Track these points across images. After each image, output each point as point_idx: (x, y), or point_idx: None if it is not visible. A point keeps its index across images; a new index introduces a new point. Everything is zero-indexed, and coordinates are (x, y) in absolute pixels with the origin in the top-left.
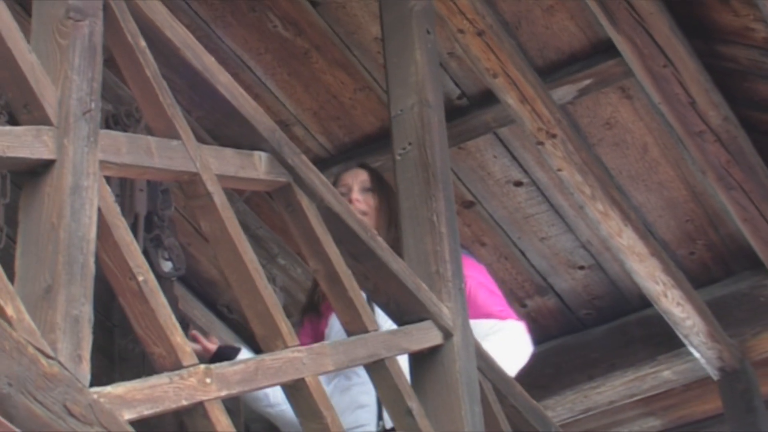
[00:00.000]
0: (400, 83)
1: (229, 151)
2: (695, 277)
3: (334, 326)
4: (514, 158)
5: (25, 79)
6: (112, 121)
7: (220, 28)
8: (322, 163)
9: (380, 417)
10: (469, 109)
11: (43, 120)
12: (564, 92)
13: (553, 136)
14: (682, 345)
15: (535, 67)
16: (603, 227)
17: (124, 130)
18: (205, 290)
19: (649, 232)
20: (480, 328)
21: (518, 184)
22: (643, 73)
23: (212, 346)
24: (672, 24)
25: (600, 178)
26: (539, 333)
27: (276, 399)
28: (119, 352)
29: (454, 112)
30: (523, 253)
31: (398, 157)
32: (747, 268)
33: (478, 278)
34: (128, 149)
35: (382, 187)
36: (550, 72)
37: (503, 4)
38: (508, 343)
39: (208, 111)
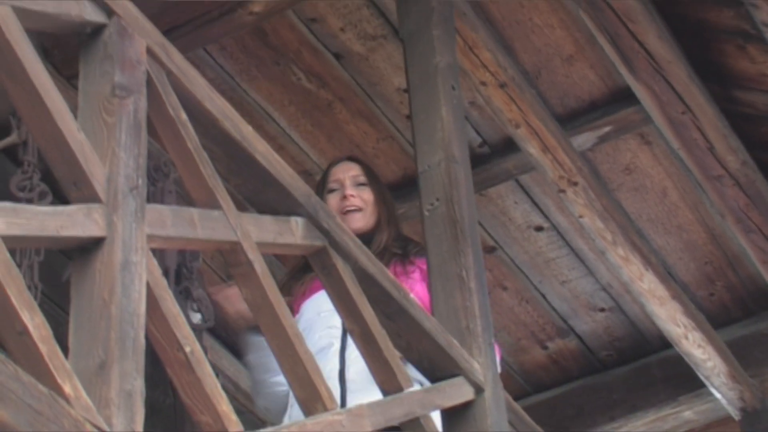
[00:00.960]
0: (426, 139)
1: (267, 219)
2: (715, 317)
3: (304, 314)
4: (535, 204)
5: (75, 158)
6: None
7: (245, 81)
8: None
9: None
10: (491, 157)
11: (93, 197)
12: (584, 139)
13: (575, 183)
14: (703, 385)
15: (555, 114)
16: (624, 272)
17: (153, 185)
18: (232, 340)
19: (669, 274)
20: None
21: (539, 229)
22: (662, 120)
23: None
24: (690, 71)
25: (621, 224)
26: (561, 375)
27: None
28: (151, 403)
29: (475, 160)
30: (544, 297)
31: (426, 213)
32: (766, 309)
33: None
34: (173, 222)
35: (375, 181)
36: (571, 119)
37: (524, 55)
38: None
39: (246, 178)
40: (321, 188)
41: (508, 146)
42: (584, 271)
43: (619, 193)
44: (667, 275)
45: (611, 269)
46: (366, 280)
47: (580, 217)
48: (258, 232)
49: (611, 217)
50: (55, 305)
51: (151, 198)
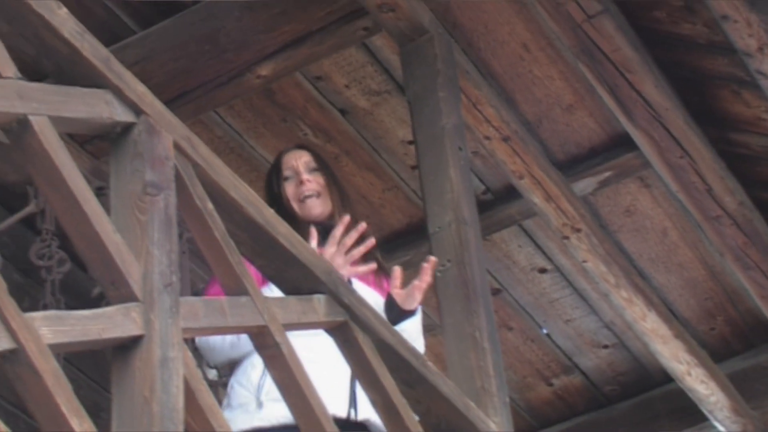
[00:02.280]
0: (436, 201)
1: (292, 300)
2: (716, 351)
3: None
4: (538, 247)
5: (112, 259)
6: None
7: (253, 138)
8: None
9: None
10: (494, 204)
11: (130, 296)
12: (585, 184)
13: (578, 230)
14: (707, 419)
15: (556, 161)
16: (628, 312)
17: None
18: None
19: (671, 310)
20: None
21: (542, 271)
22: (661, 165)
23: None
24: (687, 117)
25: (623, 267)
26: (566, 410)
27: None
28: None
29: (480, 207)
30: (548, 336)
31: (438, 274)
32: (766, 342)
33: None
34: (205, 313)
35: (325, 165)
36: (572, 166)
37: (525, 106)
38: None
39: (270, 259)
40: (274, 177)
41: (511, 193)
42: (587, 310)
43: (620, 234)
44: (669, 315)
45: (615, 310)
46: (385, 351)
47: (584, 261)
48: (284, 314)
49: (614, 261)
50: (96, 384)
51: None
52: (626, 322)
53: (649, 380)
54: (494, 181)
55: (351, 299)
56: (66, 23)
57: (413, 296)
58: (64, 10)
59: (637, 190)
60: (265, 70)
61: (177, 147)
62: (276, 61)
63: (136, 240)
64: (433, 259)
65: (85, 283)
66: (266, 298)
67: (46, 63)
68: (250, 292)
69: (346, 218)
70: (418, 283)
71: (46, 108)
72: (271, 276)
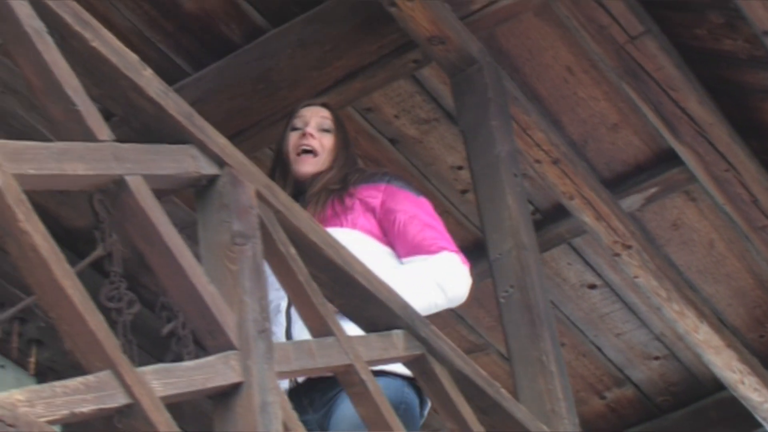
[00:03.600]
0: (495, 228)
1: (373, 337)
2: (766, 357)
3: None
4: (587, 264)
5: (209, 310)
6: None
7: None
8: None
9: None
10: (544, 224)
11: (227, 344)
12: (632, 201)
13: (629, 247)
14: (760, 425)
15: (603, 179)
16: (680, 325)
17: None
18: None
19: (720, 320)
20: (407, 272)
21: (592, 286)
22: (707, 178)
23: None
24: (731, 131)
25: (674, 281)
26: (619, 422)
27: None
28: None
29: None
30: (600, 350)
31: (502, 300)
32: None
33: (410, 211)
34: (296, 355)
35: (341, 131)
36: (618, 183)
37: (570, 127)
38: (427, 277)
39: (349, 298)
40: (286, 124)
41: (560, 212)
42: (638, 323)
43: (668, 247)
44: (720, 325)
45: (667, 322)
46: (462, 380)
47: (635, 277)
48: (366, 352)
49: (665, 275)
50: None
51: None
52: (678, 334)
53: (700, 389)
54: (542, 201)
55: (427, 332)
56: (151, 83)
57: None
58: (149, 71)
59: (683, 203)
60: None
61: (259, 196)
62: (328, 96)
63: (228, 289)
64: None
65: (155, 323)
66: (350, 337)
67: (134, 122)
68: (335, 332)
69: None
70: None
71: (139, 167)
72: (349, 314)
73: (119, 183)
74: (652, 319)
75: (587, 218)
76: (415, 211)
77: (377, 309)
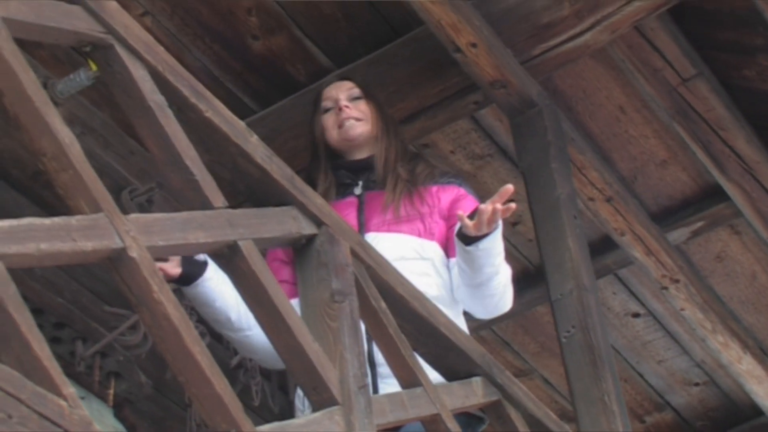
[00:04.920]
0: (556, 269)
1: (455, 386)
2: None
3: None
4: (632, 293)
5: (314, 367)
6: None
7: None
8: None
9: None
10: (591, 255)
11: (330, 400)
12: (678, 234)
13: (676, 281)
14: None
15: (650, 213)
16: (724, 356)
17: None
18: None
19: (762, 350)
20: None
21: (636, 315)
22: (753, 214)
23: (176, 270)
24: None
25: (719, 314)
26: None
27: (240, 324)
28: None
29: None
30: (641, 376)
31: (564, 340)
32: None
33: (468, 203)
34: (390, 408)
35: (371, 94)
36: (665, 217)
37: (621, 163)
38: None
39: (432, 347)
40: (314, 111)
41: (606, 244)
42: (679, 351)
43: (711, 279)
44: (764, 356)
45: (711, 353)
46: (534, 424)
47: (682, 309)
48: (450, 400)
49: (710, 308)
50: None
51: None
52: (721, 364)
53: (739, 415)
54: (590, 233)
55: (503, 378)
56: (257, 149)
57: (482, 221)
58: (255, 137)
59: (728, 237)
60: None
61: (353, 253)
62: None
63: (329, 346)
64: (509, 186)
65: (223, 355)
66: (436, 387)
67: (240, 185)
68: (422, 383)
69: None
70: (483, 206)
71: (249, 232)
72: (431, 361)
73: (233, 247)
74: (694, 347)
75: (637, 253)
76: None
77: (458, 357)
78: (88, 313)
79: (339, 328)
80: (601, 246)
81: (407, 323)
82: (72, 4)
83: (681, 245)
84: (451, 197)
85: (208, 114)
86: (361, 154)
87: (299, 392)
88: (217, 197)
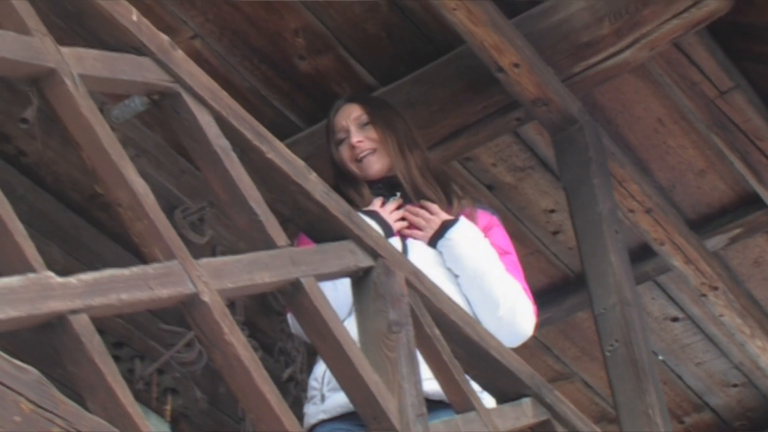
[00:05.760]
0: (599, 283)
1: (507, 408)
2: None
3: None
4: (671, 298)
5: (374, 398)
6: None
7: None
8: None
9: None
10: (631, 262)
11: (390, 429)
12: (716, 241)
13: (715, 288)
14: None
15: (688, 220)
16: (762, 360)
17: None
18: None
19: None
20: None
21: (674, 319)
22: None
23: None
24: None
25: (758, 319)
26: None
27: None
28: None
29: None
30: (680, 377)
31: (608, 354)
32: None
33: (507, 248)
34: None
35: (380, 115)
36: (703, 224)
37: (659, 173)
38: (508, 287)
39: (483, 370)
40: (329, 140)
41: (645, 251)
42: (717, 353)
43: (749, 284)
44: None
45: (750, 357)
46: None
47: (721, 315)
48: (502, 422)
49: (749, 313)
50: None
51: None
52: (760, 367)
53: None
54: (629, 240)
55: (552, 398)
56: (317, 187)
57: (430, 224)
58: (314, 174)
59: (765, 243)
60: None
61: (408, 283)
62: (435, 152)
63: (388, 376)
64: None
65: (274, 368)
66: (489, 410)
67: (299, 221)
68: (476, 407)
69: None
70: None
71: (311, 269)
72: (483, 384)
73: (296, 285)
74: (732, 350)
75: (677, 262)
76: (510, 250)
77: (508, 379)
78: (145, 332)
79: (397, 358)
80: (641, 253)
81: (460, 348)
82: (142, 56)
83: (719, 251)
84: (485, 222)
85: (270, 155)
86: (381, 176)
87: (317, 373)
88: (279, 236)
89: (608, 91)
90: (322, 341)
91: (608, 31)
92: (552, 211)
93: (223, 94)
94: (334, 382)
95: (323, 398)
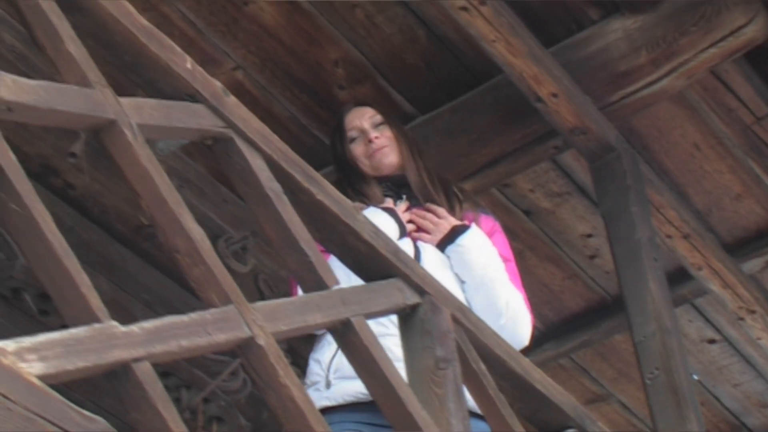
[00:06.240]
0: (638, 311)
1: None
2: None
3: None
4: (708, 321)
5: None
6: None
7: None
8: (534, 341)
9: None
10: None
11: None
12: (753, 264)
13: (753, 312)
14: None
15: (724, 244)
16: None
17: None
18: None
19: None
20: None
21: (711, 341)
22: None
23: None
24: None
25: None
26: None
27: None
28: None
29: None
30: (717, 399)
31: (648, 381)
32: None
33: (508, 256)
34: None
35: (391, 117)
36: (739, 247)
37: (696, 197)
38: (509, 293)
39: (527, 402)
40: (338, 139)
41: (682, 275)
42: (754, 374)
43: None
44: None
45: None
46: None
47: (758, 339)
48: None
49: None
50: None
51: None
52: None
53: None
54: (666, 264)
55: (594, 429)
56: (365, 227)
57: (439, 228)
58: (362, 215)
59: None
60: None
61: (454, 319)
62: (474, 180)
63: (436, 412)
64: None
65: None
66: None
67: (347, 260)
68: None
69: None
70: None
71: (361, 308)
72: (527, 416)
73: (346, 324)
74: None
75: (714, 287)
76: (510, 257)
77: (552, 411)
78: (191, 361)
79: (444, 394)
80: (678, 276)
81: (504, 381)
82: (196, 103)
83: (756, 274)
84: (488, 228)
85: (320, 196)
86: (391, 173)
87: (322, 358)
88: (330, 277)
89: (645, 117)
90: (372, 379)
91: (645, 61)
92: (589, 235)
93: (274, 137)
94: (342, 370)
95: (329, 384)
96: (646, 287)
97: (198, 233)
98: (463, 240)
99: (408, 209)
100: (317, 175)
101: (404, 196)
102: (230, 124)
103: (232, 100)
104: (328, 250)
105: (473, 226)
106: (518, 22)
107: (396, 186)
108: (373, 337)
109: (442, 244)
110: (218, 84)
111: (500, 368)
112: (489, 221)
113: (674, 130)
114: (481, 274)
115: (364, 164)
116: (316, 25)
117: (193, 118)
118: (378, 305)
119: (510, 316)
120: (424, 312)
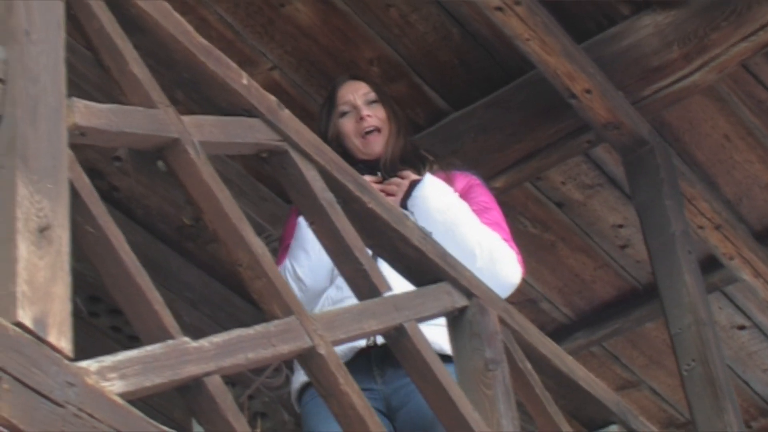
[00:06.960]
0: (674, 304)
1: None
2: None
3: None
4: (737, 307)
5: None
6: None
7: None
8: (566, 330)
9: None
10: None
11: None
12: None
13: None
14: None
15: (754, 231)
16: None
17: None
18: None
19: None
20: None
21: (741, 327)
22: None
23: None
24: None
25: None
26: None
27: None
28: None
29: None
30: (747, 383)
31: (685, 373)
32: None
33: (488, 204)
34: None
35: (385, 96)
36: None
37: (726, 187)
38: (482, 234)
39: (571, 399)
40: (328, 112)
41: (713, 263)
42: None
43: None
44: None
45: None
46: None
47: None
48: None
49: None
50: None
51: None
52: None
53: None
54: (697, 252)
55: (637, 424)
56: (414, 232)
57: (401, 187)
58: (410, 221)
59: None
60: (498, 183)
61: (500, 320)
62: (508, 175)
63: (486, 413)
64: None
65: None
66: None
67: (397, 265)
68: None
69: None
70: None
71: (412, 313)
72: (572, 413)
73: (399, 330)
74: None
75: (746, 276)
76: (493, 206)
77: (595, 407)
78: None
79: (494, 395)
80: (708, 264)
81: (549, 379)
82: (252, 118)
83: None
84: (463, 184)
85: (371, 205)
86: (380, 156)
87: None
88: (383, 284)
89: (675, 110)
90: (425, 382)
91: (677, 55)
92: (620, 226)
93: (327, 148)
94: None
95: None
96: (681, 280)
97: (259, 246)
98: (418, 191)
99: (380, 182)
100: (368, 184)
101: (378, 173)
102: (285, 137)
103: (287, 113)
104: (379, 256)
105: (427, 175)
106: (551, 20)
107: (369, 168)
108: (425, 341)
109: (404, 202)
110: (273, 98)
111: (545, 367)
112: (464, 177)
113: (705, 122)
114: (442, 219)
115: (352, 143)
116: (351, 24)
117: (250, 132)
118: (428, 309)
119: (485, 257)
120: (473, 314)
